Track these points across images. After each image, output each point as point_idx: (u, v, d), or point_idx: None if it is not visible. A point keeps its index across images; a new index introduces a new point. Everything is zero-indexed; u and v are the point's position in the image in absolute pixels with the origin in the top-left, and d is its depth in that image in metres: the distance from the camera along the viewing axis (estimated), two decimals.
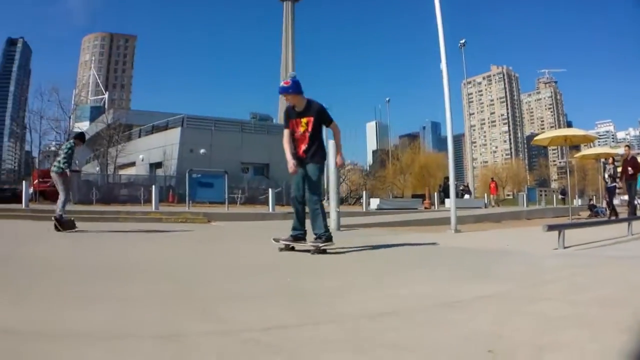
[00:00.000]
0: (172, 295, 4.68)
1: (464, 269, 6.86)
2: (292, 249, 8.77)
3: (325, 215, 8.67)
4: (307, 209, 8.77)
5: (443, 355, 2.85)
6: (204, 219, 20.47)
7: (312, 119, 8.57)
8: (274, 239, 9.08)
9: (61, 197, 13.35)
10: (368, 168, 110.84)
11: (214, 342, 3.06)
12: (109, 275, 5.89)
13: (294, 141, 8.85)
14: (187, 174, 29.29)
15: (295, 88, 8.56)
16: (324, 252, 8.35)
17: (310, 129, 8.60)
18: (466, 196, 52.82)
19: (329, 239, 8.44)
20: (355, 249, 9.52)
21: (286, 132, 8.90)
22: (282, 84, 8.64)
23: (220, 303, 4.29)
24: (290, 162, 8.73)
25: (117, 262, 7.53)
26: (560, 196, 51.29)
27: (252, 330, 3.34)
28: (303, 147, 8.68)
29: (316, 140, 8.65)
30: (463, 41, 67.30)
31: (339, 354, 2.89)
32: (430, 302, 4.33)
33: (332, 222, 14.80)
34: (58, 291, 4.74)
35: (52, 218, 13.11)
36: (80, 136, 14.52)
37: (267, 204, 28.75)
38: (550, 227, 9.16)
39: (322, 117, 8.65)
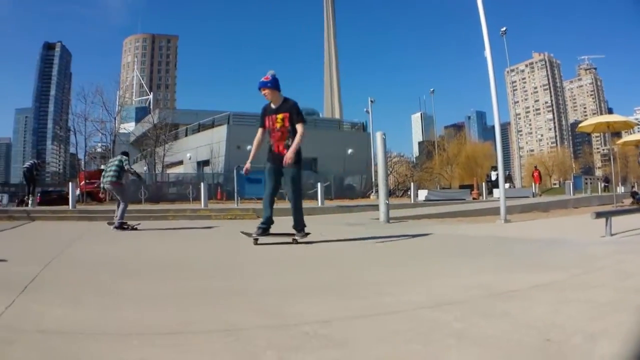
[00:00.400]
0: (226, 290, 4.72)
1: (517, 258, 6.86)
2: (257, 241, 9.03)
3: (302, 211, 9.15)
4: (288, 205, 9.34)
5: (506, 344, 2.84)
6: (253, 214, 20.55)
7: (287, 115, 8.86)
8: (242, 232, 9.62)
9: (121, 206, 13.83)
10: (414, 160, 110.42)
11: (271, 335, 3.08)
12: (163, 271, 6.09)
13: (271, 139, 9.10)
14: (235, 171, 29.48)
15: (273, 83, 8.92)
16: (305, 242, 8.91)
17: (287, 124, 8.87)
18: (506, 185, 52.43)
19: (306, 234, 9.07)
20: (404, 237, 9.76)
21: (260, 131, 9.23)
22: (262, 79, 8.93)
23: (273, 297, 4.33)
24: (247, 164, 9.33)
25: (171, 259, 7.70)
26: (603, 184, 50.76)
27: (309, 322, 3.35)
28: (281, 143, 8.94)
29: (292, 137, 8.90)
30: (504, 29, 66.46)
31: (409, 345, 2.89)
32: (488, 292, 4.32)
33: (381, 215, 15.15)
34: (114, 288, 4.81)
35: (112, 227, 13.64)
36: (125, 154, 15.02)
37: (316, 198, 28.77)
38: (599, 215, 9.14)
39: (294, 114, 8.90)
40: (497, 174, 33.06)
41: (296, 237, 8.94)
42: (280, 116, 8.88)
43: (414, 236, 9.94)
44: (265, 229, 8.93)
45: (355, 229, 13.30)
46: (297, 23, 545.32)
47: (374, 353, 2.76)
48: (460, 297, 4.16)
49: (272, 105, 9.04)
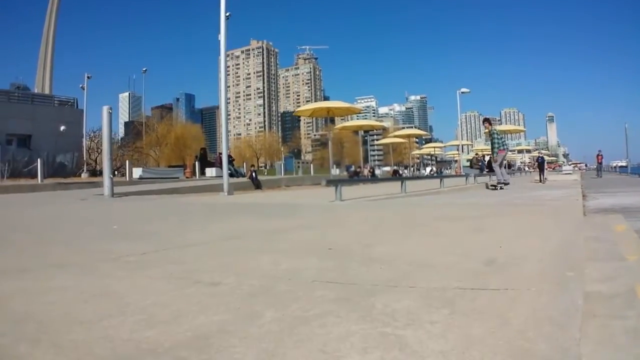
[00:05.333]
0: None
1: (275, 214, 8.50)
2: None
3: None
4: None
5: (302, 252, 4.18)
6: None
7: None
8: None
9: None
10: (120, 140, 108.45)
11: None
12: None
13: None
14: None
15: None
16: None
17: None
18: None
19: None
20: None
21: None
22: None
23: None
24: None
25: None
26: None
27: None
28: None
29: None
30: (228, 14, 67.65)
31: (225, 257, 4.08)
32: (268, 230, 5.87)
33: (106, 190, 15.17)
34: None
35: None
36: None
37: (30, 177, 27.95)
38: (329, 182, 11.04)
39: None
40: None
41: None
42: None
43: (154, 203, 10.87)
44: None
45: (96, 202, 13.68)
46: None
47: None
48: (248, 234, 5.61)
49: None
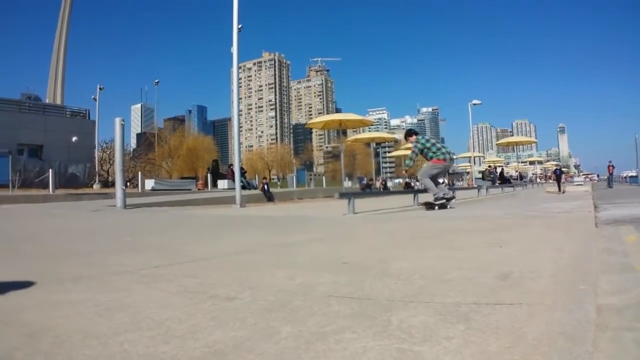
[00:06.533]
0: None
1: (284, 227, 8.56)
2: None
3: None
4: None
5: (315, 266, 4.18)
6: None
7: None
8: None
9: None
10: (132, 152, 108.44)
11: None
12: None
13: None
14: None
15: None
16: None
17: None
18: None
19: None
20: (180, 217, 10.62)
21: None
22: None
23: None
24: None
25: None
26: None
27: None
28: None
29: None
30: (239, 26, 67.81)
31: (239, 272, 4.06)
32: (279, 244, 5.90)
33: (118, 201, 15.20)
34: None
35: None
36: None
37: (41, 187, 28.01)
38: (342, 195, 11.09)
39: None
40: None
41: None
42: None
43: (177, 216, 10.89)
44: None
45: (108, 213, 13.66)
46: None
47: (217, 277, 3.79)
48: (262, 247, 5.62)
49: None
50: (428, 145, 14.29)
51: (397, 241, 5.75)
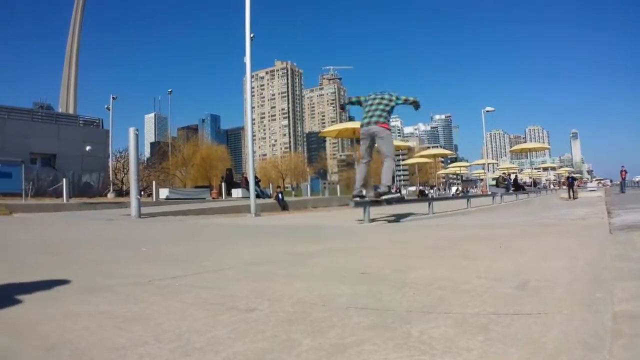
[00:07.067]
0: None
1: (299, 236, 8.47)
2: None
3: None
4: None
5: (330, 277, 4.14)
6: (6, 210, 19.95)
7: None
8: None
9: None
10: (146, 161, 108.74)
11: None
12: None
13: None
14: None
15: None
16: None
17: None
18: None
19: None
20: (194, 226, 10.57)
21: None
22: None
23: None
24: None
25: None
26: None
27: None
28: None
29: None
30: (252, 35, 67.95)
31: (261, 282, 4.08)
32: (296, 253, 5.86)
33: (133, 210, 15.34)
34: None
35: None
36: None
37: (55, 196, 28.23)
38: (357, 204, 11.07)
39: None
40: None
41: None
42: None
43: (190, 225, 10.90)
44: None
45: (123, 223, 13.78)
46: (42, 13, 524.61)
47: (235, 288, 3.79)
48: (278, 257, 5.58)
49: None
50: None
51: (414, 250, 5.73)
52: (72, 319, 2.78)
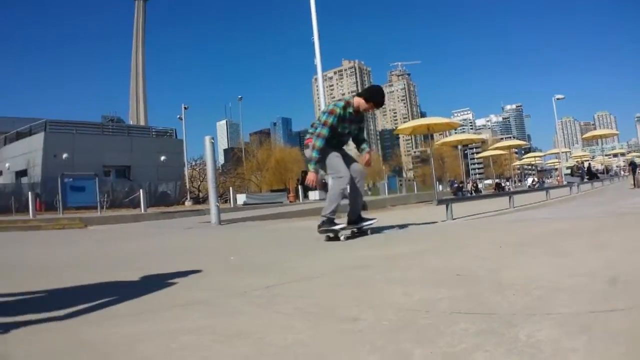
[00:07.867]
0: None
1: (388, 238, 8.40)
2: None
3: None
4: None
5: (430, 279, 4.15)
6: (81, 223, 20.27)
7: None
8: None
9: None
10: (221, 167, 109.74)
11: None
12: None
13: None
14: (59, 179, 28.62)
15: None
16: None
17: None
18: None
19: None
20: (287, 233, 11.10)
21: None
22: None
23: None
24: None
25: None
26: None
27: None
28: None
29: None
30: (312, 38, 68.02)
31: (354, 287, 4.12)
32: (386, 256, 5.90)
33: (213, 217, 15.61)
34: None
35: None
36: None
37: (132, 207, 29.09)
38: (440, 202, 11.19)
39: None
40: None
41: None
42: None
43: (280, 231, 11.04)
44: None
45: (204, 230, 14.01)
46: (104, 28, 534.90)
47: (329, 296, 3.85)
48: (369, 261, 5.56)
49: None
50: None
51: (502, 248, 5.65)
52: (171, 336, 2.81)
